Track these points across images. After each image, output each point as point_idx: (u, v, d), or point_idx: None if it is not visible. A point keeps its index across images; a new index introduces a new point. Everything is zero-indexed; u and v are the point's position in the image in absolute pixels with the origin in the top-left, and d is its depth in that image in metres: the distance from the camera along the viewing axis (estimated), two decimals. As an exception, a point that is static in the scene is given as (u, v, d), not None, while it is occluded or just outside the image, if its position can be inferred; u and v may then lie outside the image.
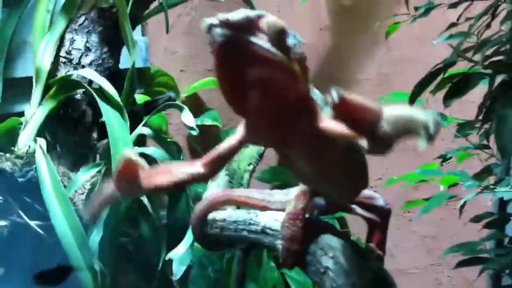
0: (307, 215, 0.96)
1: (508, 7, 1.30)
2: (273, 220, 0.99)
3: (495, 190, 1.60)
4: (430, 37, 1.57)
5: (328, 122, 0.80)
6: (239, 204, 1.12)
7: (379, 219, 1.04)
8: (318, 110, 0.81)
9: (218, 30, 0.70)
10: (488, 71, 1.13)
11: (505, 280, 1.83)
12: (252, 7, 2.03)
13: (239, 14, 0.71)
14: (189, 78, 2.62)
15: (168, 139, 1.65)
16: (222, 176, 1.21)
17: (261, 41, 0.72)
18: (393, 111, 0.77)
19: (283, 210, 0.97)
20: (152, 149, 1.58)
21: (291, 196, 0.97)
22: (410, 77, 1.41)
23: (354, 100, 0.75)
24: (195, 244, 1.73)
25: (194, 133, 1.45)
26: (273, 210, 1.02)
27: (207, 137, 2.61)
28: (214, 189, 1.19)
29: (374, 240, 1.02)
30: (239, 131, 0.86)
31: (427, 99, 1.41)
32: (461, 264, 1.51)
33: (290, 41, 0.75)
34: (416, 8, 1.55)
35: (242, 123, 0.86)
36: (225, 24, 0.70)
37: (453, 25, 1.28)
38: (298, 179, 0.96)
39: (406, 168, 1.91)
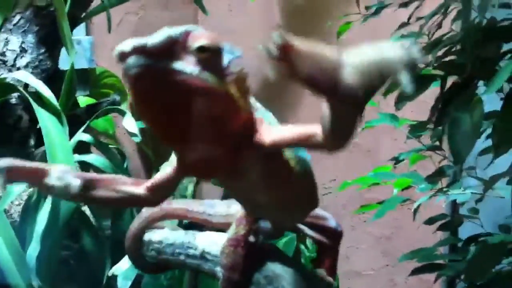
0: (251, 239, 0.88)
1: (459, 6, 1.28)
2: (213, 243, 0.91)
3: (448, 192, 1.59)
4: (381, 37, 1.54)
5: (273, 133, 0.69)
6: (178, 218, 1.04)
7: (330, 241, 0.97)
8: (261, 130, 0.70)
9: (132, 60, 0.59)
10: (440, 72, 1.09)
11: (460, 285, 1.82)
12: (202, 6, 1.98)
13: (159, 36, 0.60)
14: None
15: (111, 146, 1.57)
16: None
17: (188, 65, 0.60)
18: (357, 56, 0.58)
19: (225, 224, 0.89)
20: (94, 157, 1.49)
21: (232, 209, 0.90)
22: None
23: (303, 47, 0.57)
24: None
25: (137, 139, 1.37)
26: (215, 224, 0.94)
27: (158, 142, 2.54)
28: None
29: (324, 265, 0.95)
30: (173, 164, 0.76)
31: (379, 102, 1.38)
32: (416, 271, 1.49)
33: (225, 58, 0.64)
34: (367, 8, 1.52)
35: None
36: (140, 51, 0.59)
37: (403, 24, 1.25)
38: (243, 208, 0.87)
39: (360, 168, 1.89)
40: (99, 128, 2.03)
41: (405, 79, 0.56)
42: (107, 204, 0.83)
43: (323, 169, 0.92)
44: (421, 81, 1.06)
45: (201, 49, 0.61)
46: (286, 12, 2.51)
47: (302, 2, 2.41)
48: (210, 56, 0.62)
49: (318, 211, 0.94)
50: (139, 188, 0.78)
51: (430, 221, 1.75)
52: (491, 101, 1.04)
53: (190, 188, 1.15)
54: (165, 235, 1.00)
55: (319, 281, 0.92)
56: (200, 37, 0.62)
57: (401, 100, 1.09)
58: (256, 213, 0.87)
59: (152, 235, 1.01)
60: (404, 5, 1.37)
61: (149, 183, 0.78)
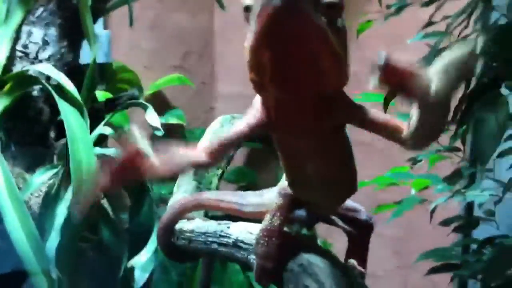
0: (286, 229, 0.89)
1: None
2: (246, 232, 0.92)
3: (466, 193, 1.59)
4: (400, 36, 1.54)
5: (367, 110, 0.78)
6: (209, 208, 1.05)
7: (361, 233, 0.98)
8: (354, 102, 0.79)
9: None
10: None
11: (471, 285, 1.82)
12: (220, 1, 1.98)
13: None
14: (153, 75, 2.56)
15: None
16: (189, 181, 1.14)
17: (318, 14, 0.65)
18: (435, 68, 0.71)
19: (257, 214, 0.90)
20: (113, 150, 1.50)
21: (265, 198, 0.91)
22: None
23: (399, 64, 0.68)
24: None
25: (159, 133, 1.38)
26: (247, 213, 0.96)
27: (171, 136, 2.55)
28: (181, 195, 1.12)
29: (355, 256, 0.96)
30: (250, 117, 0.80)
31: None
32: (433, 270, 1.49)
33: (342, 20, 0.70)
34: (388, 6, 1.52)
35: (254, 108, 0.80)
36: None
37: (429, 24, 1.25)
38: (292, 185, 0.89)
39: (376, 170, 1.89)
40: (115, 123, 2.04)
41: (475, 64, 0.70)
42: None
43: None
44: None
45: (330, 5, 0.67)
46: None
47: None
48: (334, 13, 0.68)
49: (350, 203, 0.96)
50: (197, 153, 0.81)
51: (445, 223, 1.75)
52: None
53: (214, 181, 1.16)
54: (197, 225, 1.01)
55: (351, 270, 0.93)
56: None
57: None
58: (301, 189, 0.88)
59: (183, 225, 1.03)
60: (426, 4, 1.37)
61: (207, 147, 0.81)
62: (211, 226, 0.97)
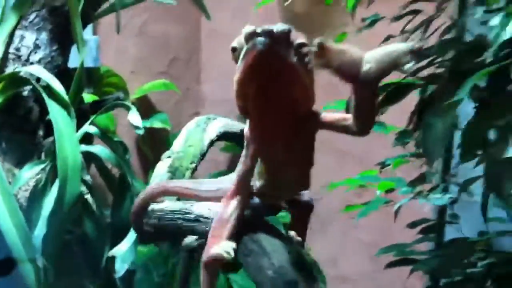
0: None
1: (443, 21, 1.39)
2: (206, 209, 1.09)
3: (429, 196, 1.69)
4: (375, 46, 1.64)
5: (324, 115, 0.95)
6: (174, 195, 1.18)
7: (303, 212, 1.13)
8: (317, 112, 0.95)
9: (260, 39, 0.78)
10: (420, 81, 1.20)
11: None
12: (205, 11, 2.07)
13: (279, 27, 0.80)
14: (139, 80, 2.64)
15: (115, 139, 1.67)
16: (164, 173, 1.25)
17: (291, 55, 0.81)
18: (375, 52, 0.87)
19: (213, 199, 1.04)
20: (99, 148, 1.59)
21: (220, 186, 1.05)
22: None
23: (334, 46, 0.84)
24: (140, 247, 1.75)
25: (140, 132, 1.47)
26: (204, 198, 1.10)
27: (156, 140, 2.64)
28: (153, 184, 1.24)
29: (296, 230, 1.11)
30: (248, 151, 0.97)
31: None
32: (391, 264, 1.59)
33: (308, 56, 0.84)
34: (363, 19, 1.62)
35: (247, 142, 0.97)
36: (268, 34, 0.78)
37: (388, 38, 1.36)
38: (265, 184, 1.03)
39: (349, 175, 1.98)
40: (101, 124, 2.13)
41: (408, 62, 0.84)
42: None
43: (315, 175, 1.05)
44: (402, 89, 1.17)
45: (300, 45, 0.82)
46: (287, 20, 2.61)
47: (303, 11, 2.51)
48: (303, 53, 0.83)
49: None
50: (233, 203, 1.00)
51: (412, 225, 1.86)
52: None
53: (187, 174, 1.27)
54: (166, 205, 1.16)
55: (291, 239, 1.09)
56: (299, 37, 0.83)
57: (383, 105, 1.19)
58: (273, 186, 1.02)
59: (154, 206, 1.17)
60: (398, 18, 1.49)
61: (235, 191, 1.00)
62: (177, 205, 1.13)
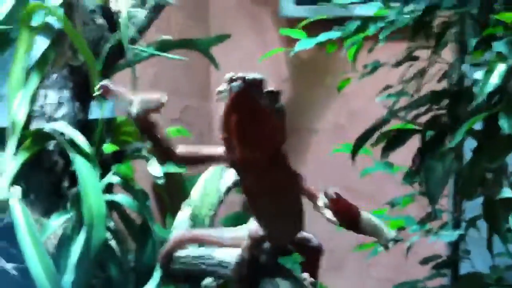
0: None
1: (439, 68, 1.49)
2: (226, 254, 1.21)
3: (439, 233, 1.75)
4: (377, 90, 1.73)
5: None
6: (199, 242, 1.30)
7: (313, 256, 1.24)
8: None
9: (237, 83, 0.94)
10: (419, 127, 1.30)
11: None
12: (214, 61, 2.18)
13: (254, 75, 0.95)
14: (155, 127, 2.72)
15: (136, 187, 1.76)
16: (185, 221, 1.36)
17: (262, 98, 0.96)
18: (368, 216, 1.05)
19: (233, 245, 1.15)
20: (121, 197, 1.69)
21: (238, 233, 1.17)
22: (364, 128, 1.57)
23: (344, 200, 1.02)
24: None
25: (161, 181, 1.57)
26: (225, 245, 1.21)
27: (172, 185, 2.72)
28: (178, 232, 1.35)
29: (308, 272, 1.22)
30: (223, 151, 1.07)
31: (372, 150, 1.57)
32: (404, 300, 1.65)
33: (279, 103, 1.00)
34: (365, 66, 1.73)
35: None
36: (243, 80, 0.94)
37: (388, 87, 1.46)
38: (259, 221, 1.14)
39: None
40: (121, 172, 2.22)
41: (381, 243, 1.04)
42: None
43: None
44: (403, 136, 1.26)
45: (270, 92, 0.97)
46: (293, 66, 2.71)
47: (308, 57, 2.62)
48: (274, 97, 0.98)
49: (304, 234, 1.21)
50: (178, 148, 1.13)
51: (425, 261, 1.92)
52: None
53: (207, 221, 1.38)
54: (190, 251, 1.30)
55: (304, 280, 1.20)
56: (271, 85, 0.98)
57: (386, 150, 1.28)
58: (266, 223, 1.13)
59: (179, 253, 1.28)
60: (397, 65, 1.59)
61: (184, 148, 1.13)
62: (201, 251, 1.25)
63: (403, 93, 1.41)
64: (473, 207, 1.62)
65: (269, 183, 1.05)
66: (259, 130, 0.99)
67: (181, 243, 1.32)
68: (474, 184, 1.13)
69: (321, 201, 1.03)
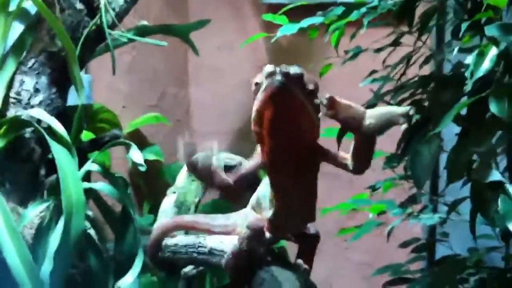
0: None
1: (423, 53, 1.49)
2: (218, 242, 1.19)
3: (419, 217, 1.76)
4: (363, 76, 1.73)
5: (330, 152, 1.08)
6: (187, 229, 1.27)
7: (310, 243, 1.21)
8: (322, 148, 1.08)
9: (278, 77, 0.92)
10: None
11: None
12: (194, 48, 2.15)
13: (295, 69, 0.95)
14: (131, 114, 2.71)
15: (116, 175, 1.73)
16: (171, 208, 1.33)
17: (302, 93, 0.95)
18: (375, 111, 1.02)
19: (224, 233, 1.13)
20: (101, 185, 1.65)
21: (230, 221, 1.14)
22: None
23: (342, 101, 1.00)
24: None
25: (143, 169, 1.54)
26: (216, 232, 1.18)
27: (149, 172, 2.69)
28: (164, 219, 1.32)
29: (303, 259, 1.19)
30: (258, 157, 1.07)
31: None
32: (387, 284, 1.66)
33: (318, 100, 1.00)
34: (346, 52, 1.72)
35: (257, 152, 1.08)
36: (284, 75, 0.92)
37: (373, 72, 1.45)
38: (277, 214, 1.14)
39: (340, 198, 2.05)
40: (98, 161, 2.19)
41: (405, 122, 0.99)
42: None
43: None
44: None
45: (310, 91, 0.97)
46: (272, 52, 2.70)
47: (288, 43, 2.60)
48: (312, 95, 0.98)
49: None
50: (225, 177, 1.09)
51: (404, 245, 1.93)
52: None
53: (192, 208, 1.35)
54: (179, 240, 1.23)
55: (298, 268, 1.20)
56: (311, 81, 0.98)
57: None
58: (284, 217, 1.13)
59: (167, 241, 1.24)
60: (378, 50, 1.58)
61: (235, 177, 1.09)
62: (191, 239, 1.19)
63: (388, 78, 1.40)
64: (454, 190, 1.65)
65: (298, 179, 1.05)
66: (295, 127, 0.98)
67: (169, 231, 1.29)
68: (462, 167, 1.13)
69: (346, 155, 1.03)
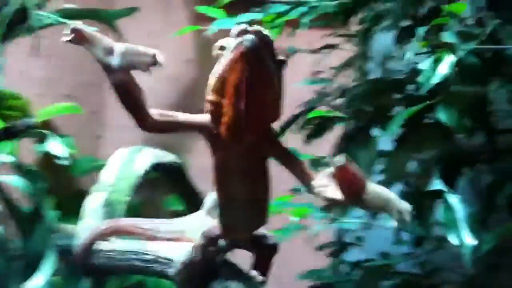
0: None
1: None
2: (166, 249, 1.06)
3: (339, 221, 1.77)
4: (293, 78, 1.71)
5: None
6: (126, 234, 1.15)
7: (267, 254, 1.15)
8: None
9: (251, 36, 0.84)
10: (344, 115, 1.28)
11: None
12: (120, 35, 2.05)
13: (267, 32, 0.86)
14: (45, 103, 2.56)
15: (32, 168, 1.60)
16: (99, 208, 1.23)
17: (272, 61, 0.86)
18: (376, 188, 0.91)
19: (168, 239, 1.03)
20: (15, 178, 1.52)
21: (175, 227, 1.04)
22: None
23: (351, 169, 0.89)
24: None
25: (66, 162, 1.42)
26: (160, 238, 1.08)
27: (55, 166, 2.56)
28: (91, 220, 1.21)
29: (259, 269, 1.13)
30: (202, 117, 0.94)
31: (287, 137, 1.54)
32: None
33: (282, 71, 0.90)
34: (278, 52, 1.69)
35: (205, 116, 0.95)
36: (257, 34, 0.84)
37: (316, 73, 1.43)
38: (222, 212, 1.03)
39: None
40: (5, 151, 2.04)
41: (396, 220, 0.89)
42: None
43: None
44: (328, 123, 1.23)
45: (280, 61, 0.88)
46: (199, 46, 2.63)
47: (215, 38, 2.55)
48: (280, 66, 0.88)
49: (259, 231, 1.11)
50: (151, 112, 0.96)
51: (321, 248, 1.94)
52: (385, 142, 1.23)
53: (123, 207, 1.26)
54: (118, 245, 1.12)
55: (254, 279, 1.11)
56: (282, 54, 0.88)
57: (312, 137, 1.25)
58: (229, 215, 1.03)
59: (102, 246, 1.13)
60: (314, 51, 1.56)
61: (159, 114, 0.96)
62: (133, 245, 1.09)
63: (327, 81, 1.38)
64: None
65: (248, 163, 0.95)
66: (261, 98, 0.87)
67: (105, 235, 1.16)
68: (399, 173, 1.12)
69: (319, 180, 0.91)
